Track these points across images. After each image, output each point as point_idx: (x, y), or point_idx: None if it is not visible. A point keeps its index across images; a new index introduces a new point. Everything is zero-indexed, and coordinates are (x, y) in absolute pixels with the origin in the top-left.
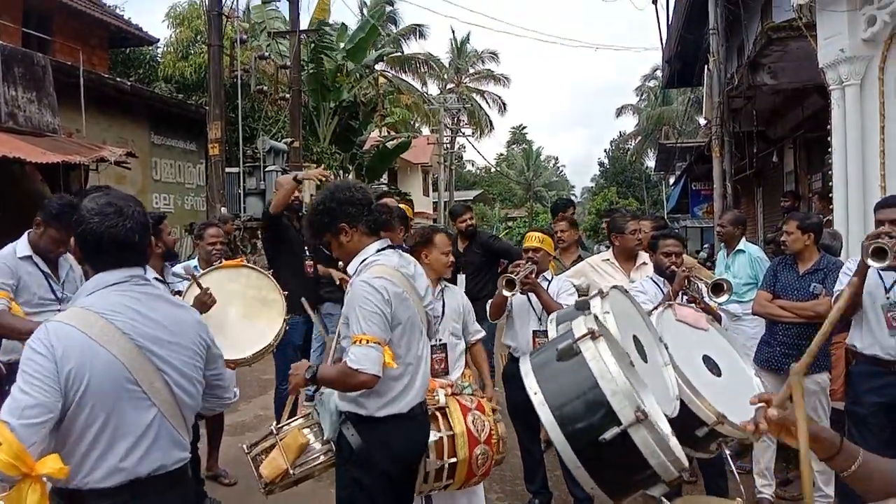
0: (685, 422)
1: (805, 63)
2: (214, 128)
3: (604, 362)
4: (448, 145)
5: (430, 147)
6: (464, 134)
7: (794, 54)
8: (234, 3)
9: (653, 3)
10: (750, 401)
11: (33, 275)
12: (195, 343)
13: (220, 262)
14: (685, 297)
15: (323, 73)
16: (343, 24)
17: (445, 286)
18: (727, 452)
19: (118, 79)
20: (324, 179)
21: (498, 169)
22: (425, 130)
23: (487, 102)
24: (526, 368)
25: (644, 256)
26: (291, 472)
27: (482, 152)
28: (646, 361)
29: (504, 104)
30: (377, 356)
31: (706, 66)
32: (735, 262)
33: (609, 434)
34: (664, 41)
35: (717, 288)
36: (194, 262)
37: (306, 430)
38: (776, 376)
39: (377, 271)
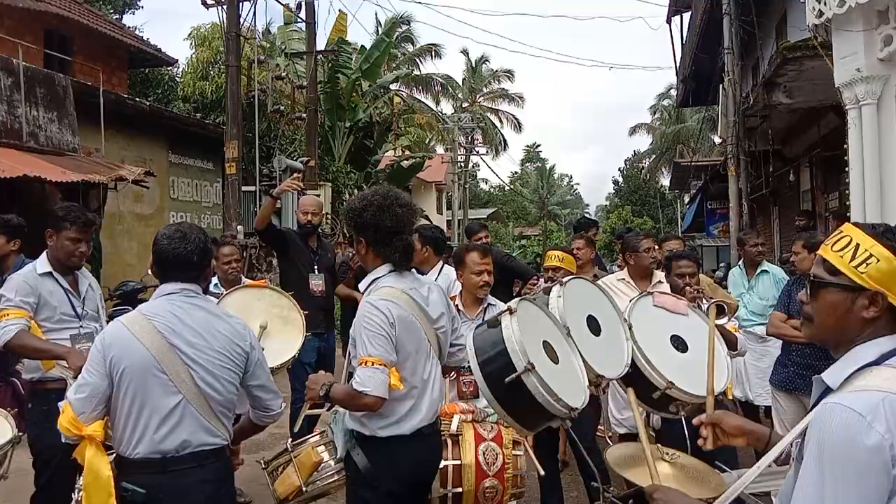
0: (643, 386)
1: (821, 82)
2: (231, 147)
3: (511, 329)
4: (462, 164)
5: (444, 165)
6: (478, 152)
7: (809, 73)
8: (253, 24)
9: (667, 22)
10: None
11: (54, 292)
12: (227, 350)
13: (244, 282)
14: None
15: (339, 92)
16: (362, 46)
17: (490, 305)
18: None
19: (137, 99)
20: (298, 188)
21: (512, 187)
22: (440, 149)
23: (501, 121)
24: (469, 334)
25: (660, 275)
26: (304, 489)
27: (496, 171)
28: (597, 335)
29: (519, 123)
30: (383, 378)
31: (721, 85)
32: (759, 283)
33: (508, 378)
34: (678, 60)
35: (719, 310)
36: (214, 280)
37: (321, 448)
38: (791, 396)
39: (383, 293)
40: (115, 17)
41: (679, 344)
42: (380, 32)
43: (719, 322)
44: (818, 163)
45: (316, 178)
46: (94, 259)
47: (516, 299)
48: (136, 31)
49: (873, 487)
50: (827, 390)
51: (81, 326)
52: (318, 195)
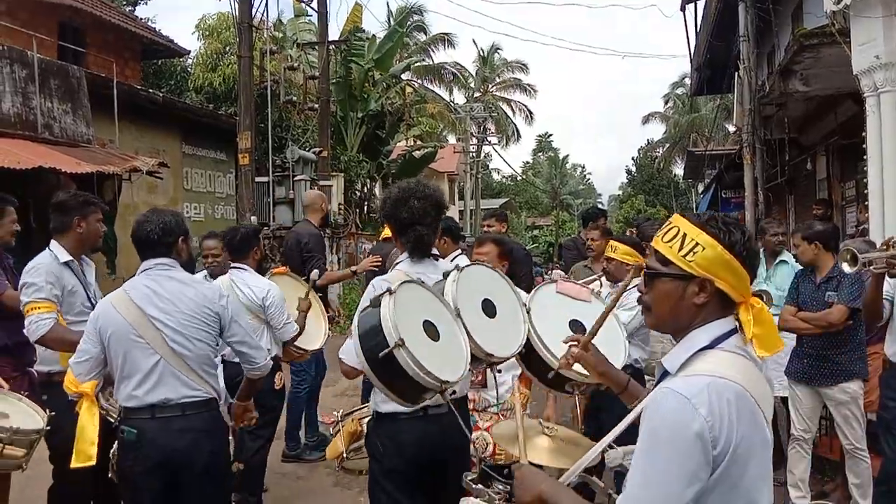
0: (539, 367)
1: (838, 69)
2: (244, 138)
3: (387, 308)
4: (474, 154)
5: (456, 156)
6: (490, 142)
7: (826, 61)
8: (265, 14)
9: (681, 10)
10: (563, 340)
11: (74, 283)
12: (196, 312)
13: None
14: None
15: (351, 82)
16: (374, 35)
17: None
18: None
19: (150, 90)
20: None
21: (524, 177)
22: (452, 139)
23: (514, 111)
24: (357, 314)
25: None
26: (345, 455)
27: (508, 161)
28: (492, 317)
29: (531, 113)
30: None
31: (736, 73)
32: (777, 273)
33: (381, 353)
34: (693, 48)
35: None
36: (203, 272)
37: (365, 420)
38: (807, 387)
39: (388, 275)
40: (127, 9)
41: (577, 328)
42: (392, 22)
43: None
44: (835, 151)
45: (328, 169)
46: (109, 249)
47: (399, 281)
48: (149, 23)
49: (695, 468)
50: (665, 374)
51: None
52: (331, 185)
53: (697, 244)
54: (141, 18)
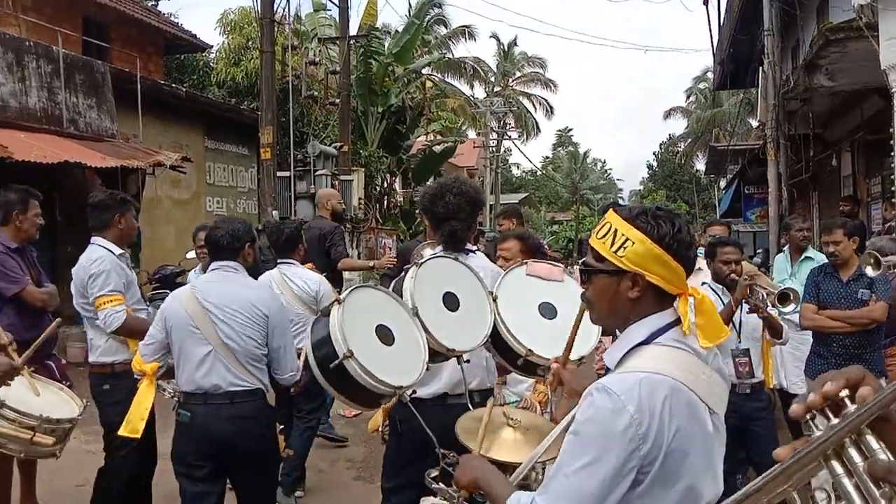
0: (509, 354)
1: (865, 64)
2: (267, 133)
3: (335, 318)
4: (494, 148)
5: (476, 150)
6: (510, 137)
7: (853, 55)
8: (286, 10)
9: (704, 3)
10: (549, 363)
11: (129, 274)
12: (248, 311)
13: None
14: (747, 307)
15: (371, 77)
16: (396, 30)
17: None
18: None
19: (173, 85)
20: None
21: (544, 172)
22: (472, 134)
23: (534, 105)
24: (309, 322)
25: (700, 262)
26: (381, 429)
27: (528, 155)
28: (455, 311)
29: (551, 107)
30: None
31: (760, 68)
32: (801, 270)
33: (332, 364)
34: (716, 42)
35: (783, 297)
36: (198, 268)
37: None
38: None
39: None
40: (150, 4)
41: (548, 311)
42: (411, 15)
43: (787, 309)
44: (860, 147)
45: (349, 164)
46: (133, 243)
47: (348, 289)
48: (172, 18)
49: (620, 465)
50: (608, 370)
51: (147, 309)
52: (352, 180)
53: (627, 239)
54: (164, 13)
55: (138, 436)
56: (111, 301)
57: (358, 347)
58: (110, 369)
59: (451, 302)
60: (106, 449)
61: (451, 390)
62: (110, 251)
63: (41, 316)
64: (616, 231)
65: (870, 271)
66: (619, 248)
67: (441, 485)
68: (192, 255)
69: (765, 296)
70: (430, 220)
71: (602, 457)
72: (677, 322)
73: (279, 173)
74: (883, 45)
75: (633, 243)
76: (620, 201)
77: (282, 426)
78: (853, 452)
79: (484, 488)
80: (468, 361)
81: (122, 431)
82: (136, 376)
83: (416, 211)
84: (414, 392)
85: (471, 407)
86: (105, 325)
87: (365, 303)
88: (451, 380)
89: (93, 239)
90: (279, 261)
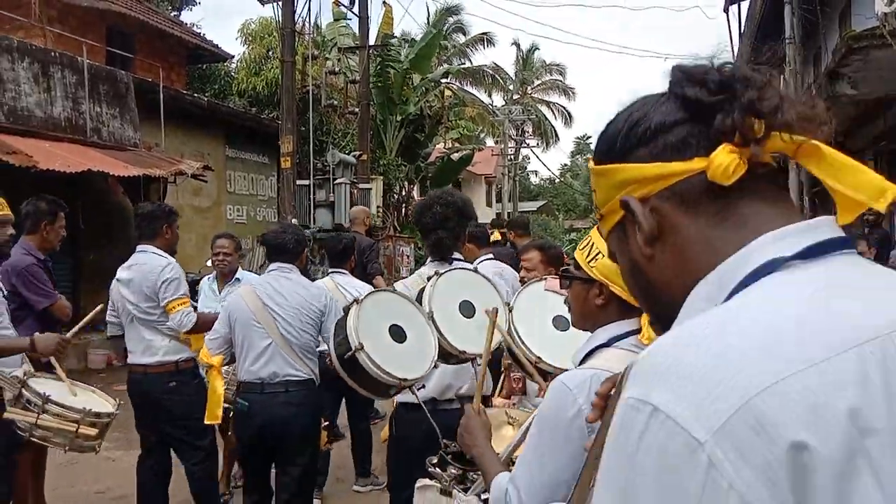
0: (519, 361)
1: (888, 72)
2: (287, 141)
3: (352, 316)
4: (512, 156)
5: (494, 158)
6: (528, 145)
7: (876, 63)
8: (307, 20)
9: (724, 11)
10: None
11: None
12: (303, 307)
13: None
14: None
15: (390, 86)
16: (413, 39)
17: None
18: None
19: (195, 94)
20: None
21: (562, 179)
22: (490, 142)
23: (553, 113)
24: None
25: None
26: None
27: (546, 163)
28: (471, 317)
29: (569, 115)
30: None
31: (781, 76)
32: None
33: (347, 355)
34: (736, 50)
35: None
36: (212, 275)
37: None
38: None
39: (408, 279)
40: (173, 15)
41: (562, 324)
42: (429, 23)
43: None
44: (884, 155)
45: (368, 172)
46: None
47: (368, 291)
48: (194, 28)
49: (573, 451)
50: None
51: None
52: (371, 188)
53: (599, 252)
54: (186, 24)
55: (219, 421)
56: (182, 304)
57: (369, 342)
58: (174, 367)
59: (467, 309)
60: (185, 450)
61: (439, 395)
62: (165, 257)
63: (56, 327)
64: (593, 245)
65: None
66: (592, 259)
67: (438, 469)
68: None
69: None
70: (420, 231)
71: (556, 444)
72: (638, 331)
73: (299, 182)
74: None
75: (603, 256)
76: None
77: (326, 422)
78: None
79: (477, 459)
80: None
81: (207, 421)
82: (202, 367)
83: None
84: (423, 387)
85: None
86: (180, 326)
87: (382, 305)
88: (438, 386)
89: (141, 246)
90: (331, 270)
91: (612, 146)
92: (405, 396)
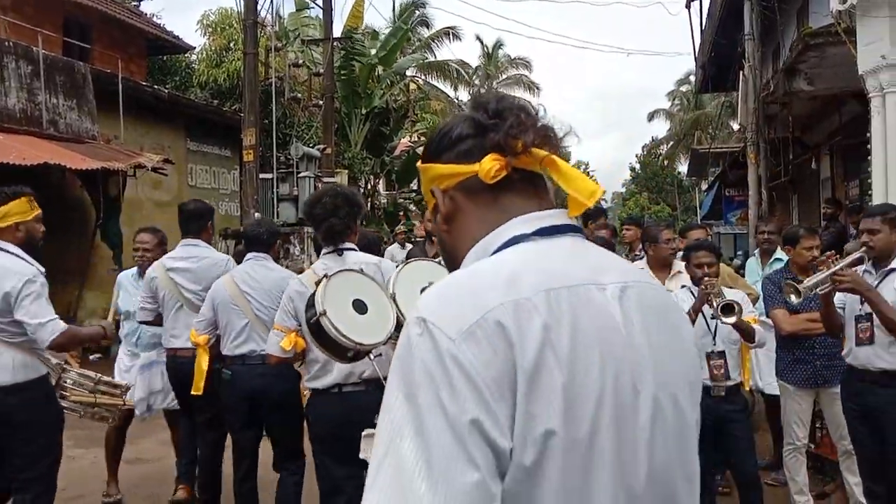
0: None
1: (843, 69)
2: (249, 134)
3: (320, 288)
4: None
5: None
6: None
7: (831, 60)
8: (269, 11)
9: (686, 7)
10: None
11: None
12: (276, 290)
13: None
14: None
15: (355, 79)
16: (375, 31)
17: None
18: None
19: (155, 86)
20: None
21: None
22: None
23: None
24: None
25: (679, 265)
26: None
27: None
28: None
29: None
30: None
31: (741, 72)
32: (770, 272)
33: (312, 320)
34: (697, 46)
35: (727, 309)
36: (133, 270)
37: None
38: (809, 392)
39: (301, 274)
40: (132, 4)
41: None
42: (396, 18)
43: (729, 321)
44: (839, 150)
45: (332, 166)
46: (114, 245)
47: (338, 268)
48: (154, 19)
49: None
50: None
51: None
52: (335, 182)
53: None
54: (146, 14)
55: (200, 392)
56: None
57: (332, 310)
58: (173, 352)
59: (360, 307)
60: (216, 437)
61: (343, 381)
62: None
63: None
64: None
65: (793, 299)
66: None
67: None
68: None
69: (716, 305)
70: (312, 222)
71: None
72: None
73: (261, 175)
74: (860, 50)
75: None
76: (603, 204)
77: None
78: None
79: None
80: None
81: (193, 392)
82: (191, 345)
83: (400, 213)
84: (380, 355)
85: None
86: None
87: (350, 282)
88: (341, 372)
89: (191, 241)
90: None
91: (429, 150)
92: (317, 383)
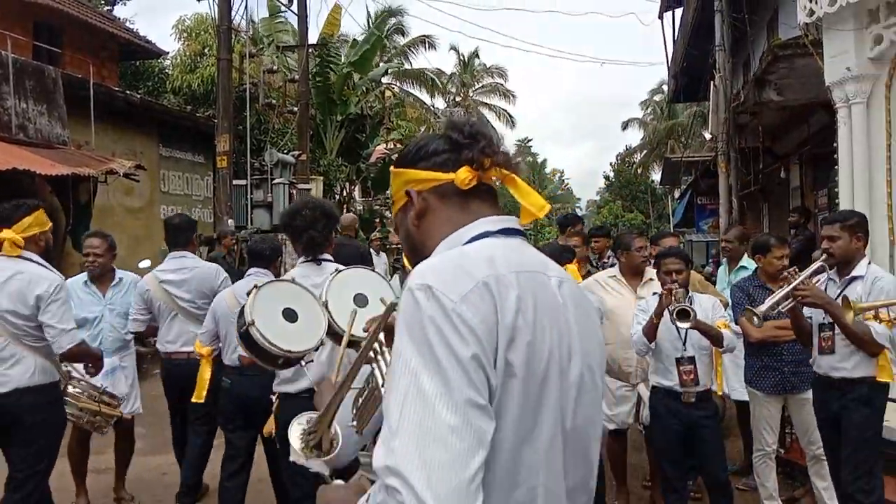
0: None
1: (811, 80)
2: (223, 140)
3: (249, 299)
4: None
5: None
6: None
7: (800, 71)
8: (244, 17)
9: (659, 18)
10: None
11: None
12: (207, 287)
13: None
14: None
15: (330, 86)
16: (354, 39)
17: None
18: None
19: (128, 91)
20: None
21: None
22: None
23: (496, 115)
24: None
25: (651, 272)
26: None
27: None
28: (363, 307)
29: (511, 118)
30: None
31: (712, 82)
32: (737, 279)
33: (242, 329)
34: (670, 57)
35: (682, 314)
36: (84, 275)
37: None
38: (778, 398)
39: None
40: (105, 9)
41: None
42: (371, 25)
43: (684, 326)
44: (808, 160)
45: (307, 172)
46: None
47: (266, 280)
48: (127, 23)
49: None
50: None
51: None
52: (310, 189)
53: None
54: (119, 19)
55: (202, 401)
56: None
57: (261, 319)
58: (167, 356)
59: (361, 301)
60: (208, 430)
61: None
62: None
63: None
64: None
65: (756, 322)
66: None
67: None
68: (144, 263)
69: (671, 310)
70: (291, 234)
71: None
72: None
73: (235, 181)
74: (827, 62)
75: None
76: (578, 211)
77: None
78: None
79: None
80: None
81: (194, 400)
82: (197, 355)
83: (376, 220)
84: (311, 361)
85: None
86: None
87: (280, 291)
88: (315, 377)
89: (179, 253)
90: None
91: (406, 158)
92: (287, 387)
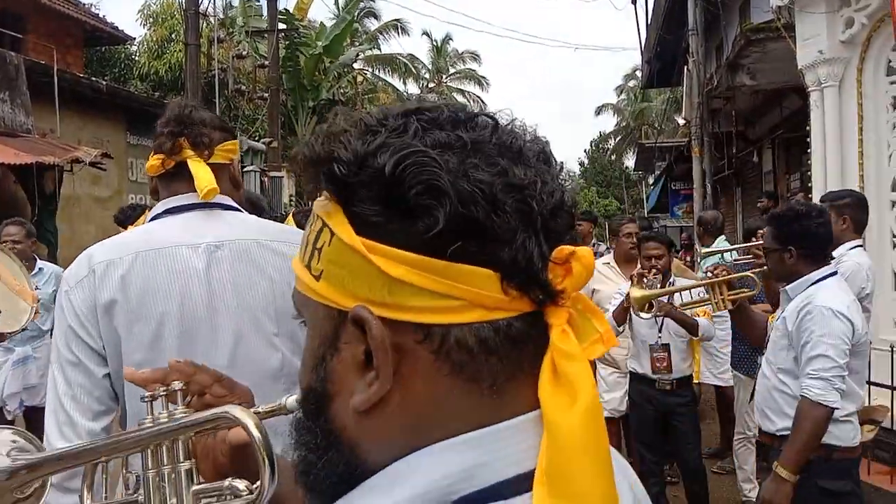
0: None
1: (784, 64)
2: None
3: None
4: None
5: None
6: None
7: (772, 55)
8: (212, 2)
9: (632, 2)
10: None
11: None
12: None
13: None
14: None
15: (300, 70)
16: (322, 23)
17: None
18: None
19: (93, 78)
20: None
21: None
22: None
23: (470, 101)
24: None
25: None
26: None
27: None
28: None
29: (485, 105)
30: None
31: (685, 67)
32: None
33: None
34: (643, 41)
35: (645, 304)
36: None
37: None
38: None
39: None
40: None
41: None
42: (341, 9)
43: (646, 316)
44: (780, 144)
45: (279, 160)
46: (49, 243)
47: None
48: (92, 9)
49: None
50: None
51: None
52: (282, 176)
53: None
54: (84, 4)
55: None
56: None
57: None
58: None
59: None
60: None
61: None
62: None
63: None
64: None
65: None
66: None
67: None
68: None
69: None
70: None
71: None
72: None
73: None
74: (799, 45)
75: None
76: None
77: None
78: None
79: None
80: None
81: None
82: None
83: None
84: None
85: None
86: None
87: None
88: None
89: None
90: None
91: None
92: None
